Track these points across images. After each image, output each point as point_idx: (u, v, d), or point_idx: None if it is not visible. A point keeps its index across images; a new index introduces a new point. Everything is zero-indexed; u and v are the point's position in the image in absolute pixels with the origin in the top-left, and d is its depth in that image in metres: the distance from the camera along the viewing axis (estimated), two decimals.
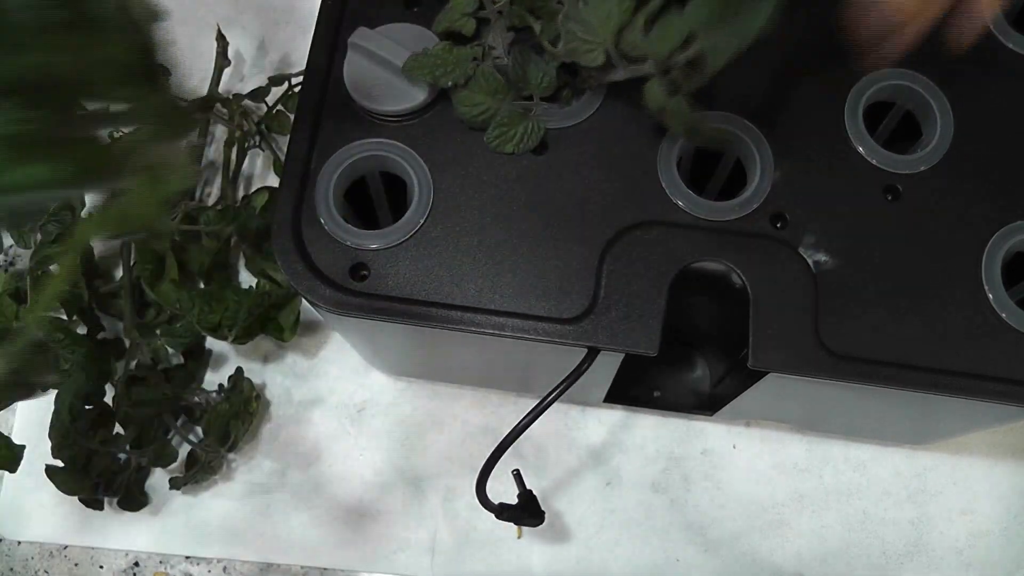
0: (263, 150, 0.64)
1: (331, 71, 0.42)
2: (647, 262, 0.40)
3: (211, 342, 0.61)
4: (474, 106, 0.41)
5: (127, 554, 0.58)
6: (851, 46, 0.38)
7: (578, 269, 0.40)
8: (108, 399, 0.54)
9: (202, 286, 0.60)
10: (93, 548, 0.58)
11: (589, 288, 0.40)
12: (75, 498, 0.54)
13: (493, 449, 0.42)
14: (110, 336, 0.59)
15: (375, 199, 0.46)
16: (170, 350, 0.58)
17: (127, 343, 0.56)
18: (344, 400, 0.60)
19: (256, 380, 0.59)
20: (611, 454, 0.58)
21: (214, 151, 0.65)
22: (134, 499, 0.56)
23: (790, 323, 0.39)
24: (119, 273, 0.60)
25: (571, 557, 0.57)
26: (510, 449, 0.42)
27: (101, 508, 0.56)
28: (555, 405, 0.41)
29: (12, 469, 0.51)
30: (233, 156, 0.62)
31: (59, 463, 0.51)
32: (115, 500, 0.56)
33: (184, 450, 0.58)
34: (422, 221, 0.41)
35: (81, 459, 0.51)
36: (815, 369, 0.39)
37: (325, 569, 0.57)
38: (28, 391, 0.34)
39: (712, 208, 0.40)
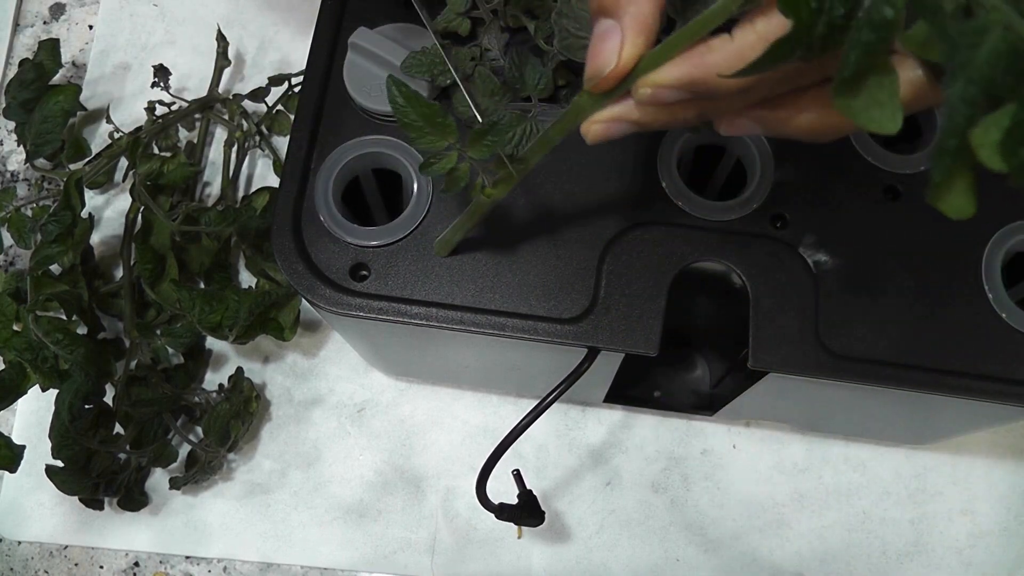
0: (263, 150, 0.64)
1: (331, 71, 0.42)
2: (647, 262, 0.40)
3: (211, 342, 0.61)
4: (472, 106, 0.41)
5: (127, 554, 0.58)
6: None
7: (578, 269, 0.40)
8: (108, 399, 0.54)
9: (202, 286, 0.60)
10: (93, 548, 0.58)
11: (589, 288, 0.40)
12: (75, 498, 0.54)
13: (493, 449, 0.42)
14: (110, 336, 0.59)
15: (370, 199, 0.46)
16: (170, 350, 0.58)
17: (127, 343, 0.56)
18: (344, 400, 0.60)
19: (256, 380, 0.59)
20: (611, 454, 0.58)
21: (214, 151, 0.65)
22: (134, 499, 0.56)
23: (790, 323, 0.39)
24: (119, 273, 0.60)
25: (571, 557, 0.57)
26: (510, 449, 0.42)
27: (101, 508, 0.56)
28: (555, 405, 0.41)
29: (12, 469, 0.51)
30: (233, 156, 0.63)
31: (59, 463, 0.51)
32: (115, 500, 0.56)
33: (184, 450, 0.58)
34: (421, 219, 0.41)
35: (81, 459, 0.51)
36: (815, 369, 0.39)
37: (325, 569, 0.57)
38: None
39: (712, 208, 0.40)
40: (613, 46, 0.27)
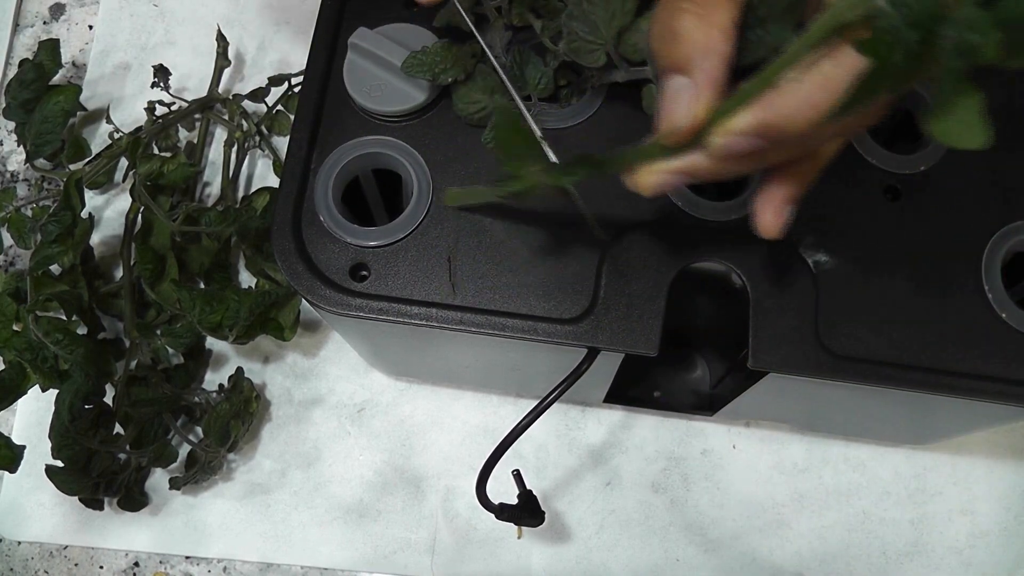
0: (263, 150, 0.64)
1: (331, 71, 0.42)
2: (647, 262, 0.40)
3: (211, 342, 0.61)
4: (472, 103, 0.40)
5: (127, 554, 0.58)
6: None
7: (578, 269, 0.40)
8: (108, 399, 0.54)
9: (202, 286, 0.60)
10: (93, 548, 0.58)
11: (589, 288, 0.40)
12: (75, 498, 0.54)
13: (493, 449, 0.42)
14: (110, 336, 0.59)
15: (370, 200, 0.46)
16: (170, 350, 0.58)
17: (127, 343, 0.56)
18: (344, 400, 0.60)
19: (256, 380, 0.59)
20: (611, 454, 0.58)
21: (214, 151, 0.65)
22: (134, 499, 0.56)
23: (790, 323, 0.39)
24: (119, 273, 0.60)
25: (571, 557, 0.57)
26: (510, 449, 0.42)
27: (101, 508, 0.56)
28: (555, 405, 0.41)
29: (12, 469, 0.51)
30: (233, 156, 0.63)
31: (59, 463, 0.51)
32: (115, 500, 0.56)
33: (184, 450, 0.58)
34: (421, 219, 0.41)
35: (81, 459, 0.51)
36: (815, 369, 0.39)
37: (325, 569, 0.57)
38: None
39: (712, 208, 0.40)
40: (689, 103, 0.28)
